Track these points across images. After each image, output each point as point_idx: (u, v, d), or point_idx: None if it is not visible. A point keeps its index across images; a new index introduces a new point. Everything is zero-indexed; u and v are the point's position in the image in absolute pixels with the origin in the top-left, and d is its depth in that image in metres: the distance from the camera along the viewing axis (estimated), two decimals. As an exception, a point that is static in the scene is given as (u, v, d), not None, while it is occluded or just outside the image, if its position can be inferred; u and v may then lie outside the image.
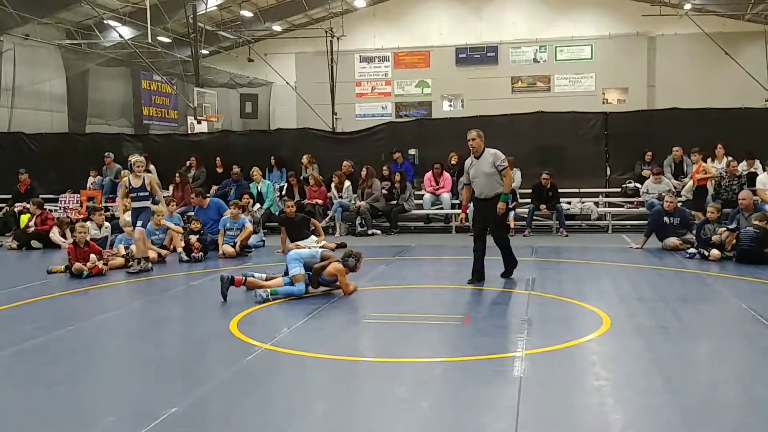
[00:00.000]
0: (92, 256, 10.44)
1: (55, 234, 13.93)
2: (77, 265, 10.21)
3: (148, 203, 10.99)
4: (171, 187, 16.26)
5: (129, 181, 10.86)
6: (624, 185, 15.99)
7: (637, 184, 15.41)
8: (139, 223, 10.80)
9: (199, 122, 24.30)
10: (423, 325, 7.06)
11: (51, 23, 25.23)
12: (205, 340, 6.76)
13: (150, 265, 10.84)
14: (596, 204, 15.58)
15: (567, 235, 14.26)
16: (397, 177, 15.73)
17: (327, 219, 15.36)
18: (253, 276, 8.68)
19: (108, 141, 19.88)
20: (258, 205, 15.26)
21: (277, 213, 15.15)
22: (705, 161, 14.89)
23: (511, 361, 5.60)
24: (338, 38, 31.43)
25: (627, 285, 9.01)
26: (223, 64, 32.68)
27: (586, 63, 31.73)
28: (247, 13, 30.82)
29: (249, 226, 12.63)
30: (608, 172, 16.66)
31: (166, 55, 28.21)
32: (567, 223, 14.70)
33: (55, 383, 5.38)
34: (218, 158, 17.52)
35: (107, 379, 5.58)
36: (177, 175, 16.09)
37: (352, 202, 15.52)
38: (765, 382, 5.14)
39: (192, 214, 13.59)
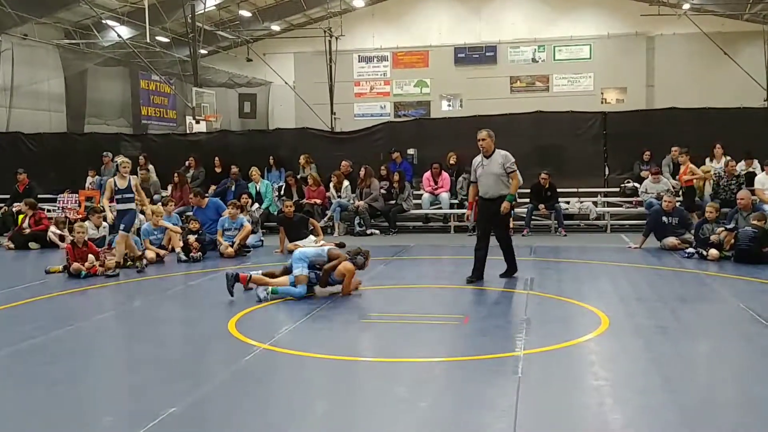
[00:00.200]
0: (90, 256, 10.43)
1: (53, 233, 13.93)
2: (75, 265, 10.21)
3: (132, 205, 10.86)
4: (169, 187, 16.25)
5: (115, 182, 10.73)
6: (622, 185, 16.00)
7: (636, 184, 15.42)
8: (122, 226, 10.64)
9: (197, 122, 24.27)
10: (422, 325, 7.06)
11: (49, 23, 25.19)
12: (204, 340, 6.76)
13: (118, 272, 10.40)
14: (595, 204, 15.59)
15: (566, 235, 14.27)
16: (396, 177, 15.72)
17: (326, 219, 15.36)
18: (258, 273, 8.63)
19: (106, 141, 19.86)
20: (257, 205, 15.26)
21: (275, 213, 15.14)
22: (704, 161, 14.94)
23: (510, 361, 5.61)
24: (337, 38, 31.42)
25: (626, 285, 9.02)
26: (222, 63, 32.65)
27: (584, 63, 31.74)
28: (245, 13, 30.80)
29: (247, 226, 12.63)
30: (607, 172, 16.66)
31: (165, 55, 28.17)
32: (566, 222, 14.70)
33: (54, 383, 5.37)
34: (217, 158, 17.50)
35: (106, 379, 5.58)
36: (175, 175, 16.08)
37: (351, 201, 15.51)
38: (764, 382, 5.14)
39: (190, 214, 13.58)
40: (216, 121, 26.10)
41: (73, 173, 18.20)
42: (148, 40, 23.65)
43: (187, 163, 17.47)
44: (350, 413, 4.75)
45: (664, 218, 12.02)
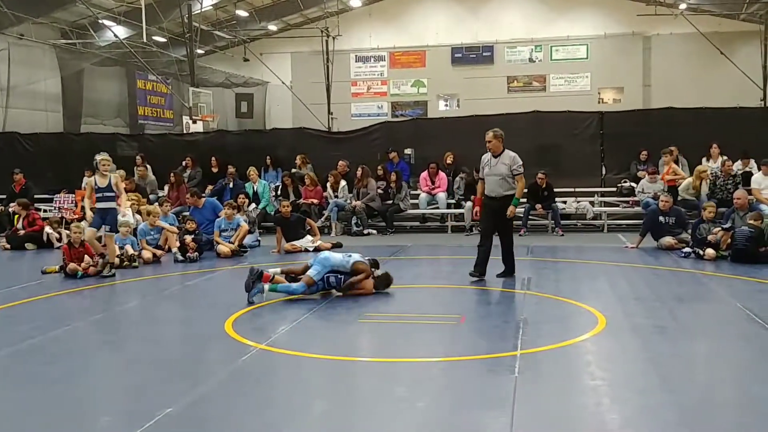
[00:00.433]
0: (86, 256, 10.41)
1: (49, 232, 13.93)
2: (72, 265, 10.20)
3: (114, 204, 10.46)
4: (166, 187, 16.23)
5: (95, 180, 10.37)
6: (619, 185, 16.01)
7: (633, 184, 15.43)
8: (106, 228, 10.38)
9: (194, 122, 24.25)
10: (419, 324, 7.06)
11: (46, 23, 25.16)
12: (201, 340, 6.74)
13: (113, 272, 10.29)
14: (592, 203, 15.59)
15: (563, 235, 14.27)
16: (393, 177, 15.71)
17: (323, 219, 15.34)
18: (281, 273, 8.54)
19: (103, 141, 19.78)
20: (253, 205, 15.24)
21: (272, 213, 15.12)
22: (700, 161, 14.96)
23: (507, 361, 5.60)
24: (334, 38, 31.43)
25: (623, 284, 9.02)
26: (219, 63, 32.63)
27: (581, 63, 31.79)
28: (242, 13, 30.78)
29: (244, 225, 12.62)
30: (604, 172, 16.67)
31: (162, 55, 28.16)
32: (563, 222, 14.71)
33: (51, 383, 5.36)
34: (214, 158, 17.48)
35: (103, 379, 5.56)
36: (172, 175, 16.05)
37: (348, 201, 15.50)
38: (762, 382, 5.14)
39: (187, 214, 13.56)
40: (213, 121, 26.09)
41: (69, 173, 18.15)
42: (144, 40, 23.63)
43: (183, 163, 17.44)
44: (348, 413, 4.73)
45: (661, 218, 12.03)
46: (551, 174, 14.85)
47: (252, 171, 15.89)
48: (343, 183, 15.78)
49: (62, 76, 25.99)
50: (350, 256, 8.62)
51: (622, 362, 5.77)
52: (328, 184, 15.84)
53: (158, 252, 11.98)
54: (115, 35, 24.84)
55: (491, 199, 9.31)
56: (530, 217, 14.67)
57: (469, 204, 14.90)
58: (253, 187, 15.72)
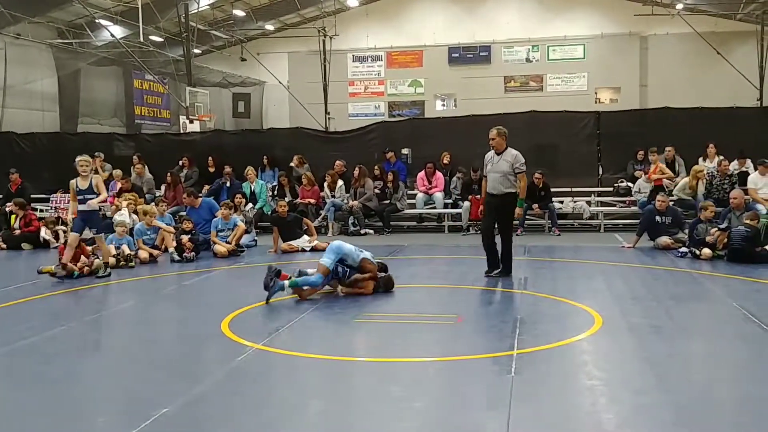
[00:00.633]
0: (82, 257, 10.40)
1: (45, 233, 13.91)
2: (69, 265, 10.15)
3: (96, 206, 10.18)
4: (163, 187, 16.21)
5: (76, 183, 10.03)
6: (616, 184, 16.02)
7: (629, 184, 15.44)
8: (93, 230, 10.14)
9: (191, 122, 24.19)
10: (416, 324, 7.06)
11: (42, 22, 25.09)
12: (197, 340, 6.73)
13: (109, 271, 10.21)
14: (588, 203, 15.61)
15: (559, 235, 14.29)
16: (390, 176, 15.71)
17: (320, 218, 15.34)
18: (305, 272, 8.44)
19: (100, 141, 19.79)
20: (250, 205, 15.22)
21: (269, 213, 15.11)
22: (697, 161, 14.97)
23: (504, 361, 5.60)
24: (331, 38, 31.38)
25: (619, 284, 9.03)
26: (216, 63, 32.58)
27: (578, 62, 31.78)
28: (239, 13, 30.74)
29: (241, 225, 12.63)
30: (600, 172, 16.69)
31: (158, 55, 28.09)
32: (559, 222, 14.73)
33: (48, 383, 5.35)
34: (210, 158, 17.46)
35: (98, 379, 5.55)
36: (169, 175, 16.03)
37: (345, 201, 15.50)
38: (758, 381, 5.14)
39: (184, 213, 13.55)
40: (210, 121, 26.05)
41: (66, 173, 17.88)
42: (141, 40, 23.55)
43: (180, 162, 17.42)
44: (345, 413, 4.73)
45: (658, 218, 12.04)
46: (548, 174, 14.87)
47: (250, 171, 15.87)
48: (340, 183, 15.78)
49: (59, 75, 25.91)
50: (361, 251, 8.62)
51: (619, 362, 5.78)
52: (325, 184, 15.83)
53: (155, 252, 11.98)
54: (112, 35, 24.79)
55: (492, 196, 9.44)
56: (527, 216, 14.67)
57: (466, 204, 14.92)
58: (251, 187, 15.70)
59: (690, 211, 13.50)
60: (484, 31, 32.17)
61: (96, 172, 17.43)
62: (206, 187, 16.43)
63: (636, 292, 8.48)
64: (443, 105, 33.15)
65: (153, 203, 14.09)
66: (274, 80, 31.89)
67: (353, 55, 33.78)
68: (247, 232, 13.15)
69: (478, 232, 14.69)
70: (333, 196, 15.58)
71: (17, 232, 14.12)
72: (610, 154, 16.61)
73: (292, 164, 16.87)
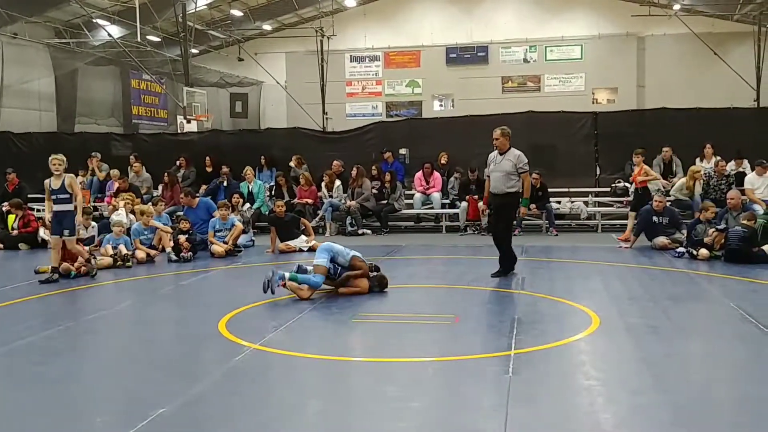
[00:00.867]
0: (79, 257, 10.38)
1: (44, 233, 13.87)
2: (65, 265, 10.15)
3: (70, 206, 9.84)
4: (160, 187, 16.20)
5: (49, 182, 9.86)
6: (613, 185, 16.03)
7: (627, 184, 15.45)
8: (66, 232, 9.74)
9: (188, 122, 24.18)
10: (413, 324, 7.06)
11: (39, 22, 25.04)
12: (194, 340, 6.73)
13: (56, 276, 9.80)
14: (586, 203, 15.62)
15: (557, 235, 14.30)
16: (388, 176, 15.71)
17: (317, 218, 15.33)
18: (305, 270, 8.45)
19: (97, 140, 19.78)
20: (248, 205, 15.21)
21: (266, 213, 15.10)
22: (694, 161, 14.99)
23: (501, 361, 5.60)
24: (328, 38, 31.37)
25: (617, 284, 9.04)
26: (213, 63, 32.54)
27: (576, 63, 31.78)
28: (237, 12, 30.70)
29: (239, 225, 12.62)
30: (598, 172, 16.71)
31: (156, 54, 28.05)
32: (557, 222, 14.74)
33: (45, 383, 5.34)
34: (208, 158, 17.45)
35: (96, 379, 5.54)
36: (166, 174, 16.01)
37: (343, 201, 15.49)
38: (756, 381, 5.15)
39: (181, 213, 13.54)
40: (207, 121, 26.03)
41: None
42: (138, 40, 23.53)
43: (177, 162, 17.40)
44: (342, 413, 4.73)
45: (655, 218, 12.05)
46: (545, 174, 14.87)
47: (249, 171, 15.85)
48: (337, 183, 15.77)
49: (56, 75, 25.87)
50: (351, 250, 8.70)
51: (616, 362, 5.78)
52: (323, 184, 15.82)
53: (152, 252, 11.96)
54: (109, 34, 24.76)
55: (494, 196, 9.59)
56: (524, 217, 14.66)
57: (464, 204, 14.92)
58: (248, 187, 15.69)
59: (687, 211, 13.52)
60: (482, 31, 32.17)
61: (93, 173, 17.52)
62: (203, 187, 16.42)
63: (633, 292, 8.49)
64: (441, 105, 33.14)
65: (150, 203, 14.07)
66: (272, 80, 31.88)
67: (351, 55, 33.75)
68: (244, 232, 13.13)
69: (476, 232, 14.78)
70: (330, 196, 15.58)
71: (15, 232, 14.10)
72: (608, 154, 16.63)
73: (291, 164, 16.86)
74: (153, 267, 11.35)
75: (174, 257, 11.68)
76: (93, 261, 10.64)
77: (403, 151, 17.50)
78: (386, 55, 33.60)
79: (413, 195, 16.13)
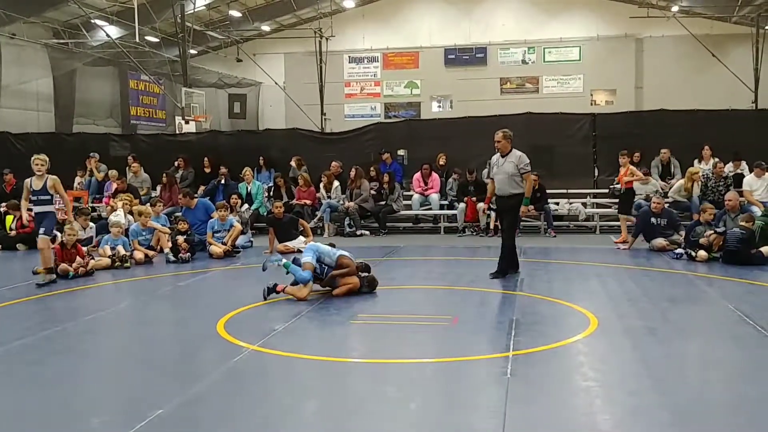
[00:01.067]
0: (78, 257, 10.38)
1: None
2: (63, 266, 10.14)
3: (50, 207, 9.70)
4: (158, 188, 16.18)
5: (30, 182, 9.66)
6: (612, 186, 16.00)
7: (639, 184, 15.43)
8: (41, 230, 9.54)
9: (187, 122, 24.19)
10: (411, 325, 7.05)
11: (38, 22, 25.05)
12: (193, 341, 6.73)
13: (54, 276, 9.69)
14: (584, 205, 15.62)
15: (555, 236, 14.31)
16: (386, 178, 15.71)
17: (315, 219, 15.33)
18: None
19: (95, 141, 19.75)
20: (246, 206, 15.21)
21: (265, 214, 15.09)
22: (692, 162, 15.01)
23: (499, 362, 5.60)
24: (327, 39, 31.43)
25: (615, 286, 9.04)
26: (212, 64, 32.57)
27: (574, 64, 31.85)
28: (235, 13, 30.73)
29: (237, 225, 12.61)
30: (596, 173, 16.71)
31: (154, 55, 28.08)
32: (555, 223, 14.74)
33: (43, 384, 5.33)
34: (206, 158, 17.42)
35: (94, 380, 5.54)
36: (164, 175, 15.99)
37: (341, 202, 15.49)
38: (753, 383, 5.15)
39: (179, 214, 13.53)
40: (205, 122, 26.03)
41: (61, 173, 17.82)
42: (137, 40, 23.56)
43: (176, 163, 17.38)
44: (340, 414, 4.73)
45: (653, 219, 12.06)
46: (544, 175, 14.87)
47: (247, 171, 15.85)
48: (336, 184, 15.76)
49: (54, 75, 25.88)
50: (338, 250, 8.77)
51: (614, 363, 5.78)
52: (321, 185, 15.82)
53: (150, 253, 11.94)
54: (108, 35, 24.77)
55: (500, 198, 9.70)
56: (523, 218, 14.68)
57: (462, 205, 14.93)
58: (247, 188, 15.68)
59: (685, 213, 13.53)
60: (480, 32, 32.22)
61: (91, 173, 17.51)
62: (202, 187, 16.41)
63: (631, 293, 8.49)
64: (439, 106, 33.19)
65: (148, 203, 14.05)
66: (270, 81, 31.92)
67: (349, 56, 33.80)
68: (243, 232, 13.12)
69: (474, 233, 14.78)
70: (329, 197, 15.57)
71: (12, 232, 14.08)
72: (606, 155, 16.61)
73: (292, 163, 16.85)
74: (151, 268, 11.34)
75: (172, 258, 11.67)
76: (93, 260, 10.62)
77: (401, 152, 17.50)
78: (385, 56, 33.65)
79: (411, 196, 16.12)
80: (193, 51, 29.43)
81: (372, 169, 16.04)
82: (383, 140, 17.75)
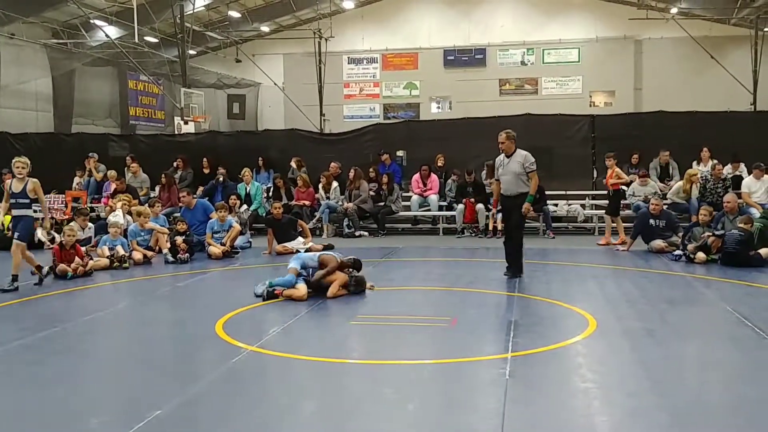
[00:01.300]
0: (76, 258, 10.38)
1: (41, 234, 13.85)
2: (62, 266, 10.15)
3: (29, 211, 9.45)
4: (157, 188, 16.18)
5: (10, 184, 9.49)
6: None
7: (623, 187, 15.44)
8: (16, 235, 9.37)
9: (186, 123, 24.18)
10: (410, 326, 7.05)
11: (37, 22, 25.05)
12: (191, 341, 6.73)
13: (44, 271, 9.63)
14: (583, 206, 15.63)
15: (554, 237, 14.31)
16: (385, 179, 15.71)
17: (314, 220, 15.33)
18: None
19: (94, 141, 19.73)
20: (245, 207, 15.21)
21: (264, 215, 15.09)
22: (691, 164, 15.01)
23: (498, 363, 5.60)
24: (326, 39, 31.43)
25: (613, 287, 9.04)
26: (211, 64, 32.58)
27: (573, 66, 31.89)
28: (234, 14, 30.74)
29: (236, 226, 12.61)
30: (595, 175, 16.70)
31: (153, 55, 28.08)
32: (554, 225, 14.75)
33: (41, 384, 5.33)
34: (205, 159, 17.43)
35: (93, 380, 5.53)
36: (163, 176, 15.99)
37: (340, 203, 15.49)
38: (752, 384, 5.16)
39: (178, 215, 13.53)
40: (204, 122, 26.03)
41: (60, 174, 18.03)
42: (136, 40, 23.56)
43: (175, 164, 17.38)
44: (338, 415, 4.72)
45: (652, 221, 12.07)
46: (542, 177, 14.75)
47: (246, 172, 15.85)
48: (335, 185, 15.77)
49: (53, 75, 25.87)
50: (315, 254, 8.99)
51: (613, 365, 5.78)
52: (320, 186, 15.82)
53: (149, 253, 11.94)
54: (107, 35, 24.75)
55: (507, 198, 9.69)
56: (527, 213, 14.68)
57: (461, 206, 14.94)
58: (246, 188, 15.69)
59: (684, 214, 13.55)
60: (479, 33, 32.26)
61: (90, 173, 17.50)
62: (200, 188, 16.41)
63: (630, 295, 8.49)
64: (438, 107, 33.22)
65: (147, 204, 14.05)
66: (269, 82, 31.93)
67: (348, 57, 33.83)
68: (241, 233, 13.12)
69: (473, 234, 14.78)
70: (328, 198, 15.58)
71: (10, 233, 14.04)
72: (605, 157, 16.61)
73: (292, 164, 16.84)
74: (150, 268, 11.33)
75: (171, 259, 11.67)
76: (92, 261, 10.62)
77: (400, 153, 17.50)
78: (384, 57, 33.68)
79: (410, 197, 16.13)
80: (192, 51, 29.44)
81: (371, 170, 16.05)
82: (382, 141, 17.74)
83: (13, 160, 9.52)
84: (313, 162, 16.98)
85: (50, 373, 5.63)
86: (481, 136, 15.77)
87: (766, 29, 27.78)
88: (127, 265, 11.15)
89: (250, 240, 13.86)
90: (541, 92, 32.11)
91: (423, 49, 32.98)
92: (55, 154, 19.03)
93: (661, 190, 14.42)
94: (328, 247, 12.01)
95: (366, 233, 15.29)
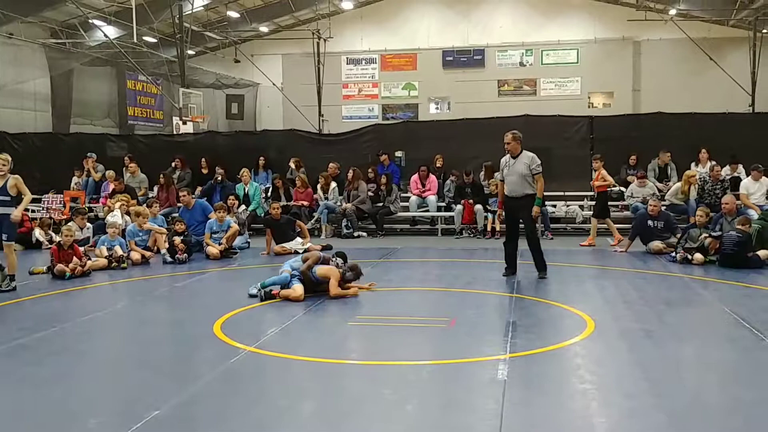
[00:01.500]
0: (75, 258, 10.37)
1: (39, 234, 13.84)
2: (60, 266, 10.14)
3: (10, 210, 9.14)
4: (156, 188, 16.18)
5: None
6: (609, 189, 16.02)
7: (622, 188, 15.47)
8: (4, 236, 9.12)
9: (184, 123, 24.14)
10: (408, 327, 7.06)
11: (35, 22, 25.03)
12: (189, 342, 6.72)
13: (14, 284, 9.17)
14: (581, 207, 15.63)
15: (552, 238, 14.31)
16: (384, 179, 15.71)
17: (313, 221, 15.32)
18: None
19: (92, 141, 19.71)
20: (243, 207, 15.20)
21: (262, 215, 15.09)
22: (689, 166, 15.03)
23: (496, 364, 5.60)
24: (325, 40, 31.42)
25: (611, 288, 9.04)
26: (209, 64, 32.54)
27: (572, 67, 31.91)
28: (233, 14, 30.73)
29: (234, 226, 12.60)
30: (593, 176, 16.69)
31: (152, 55, 28.06)
32: (552, 226, 14.76)
33: (39, 385, 5.32)
34: (204, 159, 17.43)
35: (90, 381, 5.53)
36: (161, 176, 15.98)
37: (338, 204, 15.49)
38: (749, 385, 5.16)
39: (176, 215, 13.52)
40: (203, 122, 25.99)
41: (58, 174, 18.05)
42: (135, 40, 23.53)
43: (173, 164, 17.37)
44: (337, 415, 4.72)
45: (650, 222, 12.08)
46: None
47: (245, 172, 15.85)
48: (333, 185, 15.77)
49: (51, 75, 25.84)
50: (299, 256, 9.16)
51: (611, 366, 5.78)
52: (319, 186, 15.82)
53: (147, 253, 11.94)
54: (105, 35, 24.71)
55: (511, 199, 9.66)
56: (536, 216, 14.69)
57: (459, 207, 14.94)
58: (244, 189, 15.69)
59: (682, 215, 13.56)
60: (478, 34, 32.27)
61: (89, 174, 17.49)
62: (199, 188, 16.41)
63: (628, 296, 8.50)
64: (437, 108, 33.23)
65: (145, 204, 14.05)
66: (268, 82, 31.90)
67: (347, 58, 33.83)
68: (240, 233, 13.12)
69: (471, 235, 14.79)
70: (326, 199, 15.58)
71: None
72: (603, 158, 16.61)
73: (291, 164, 16.84)
74: (148, 268, 11.33)
75: (169, 259, 11.67)
76: (90, 261, 10.63)
77: (399, 153, 17.50)
78: (383, 58, 33.68)
79: (409, 198, 16.13)
80: (190, 51, 29.42)
81: (369, 170, 16.06)
82: (381, 142, 17.74)
83: None
84: (311, 162, 16.97)
85: (48, 374, 5.63)
86: (480, 137, 15.78)
87: (764, 31, 27.82)
88: (125, 265, 11.15)
89: (249, 240, 13.86)
90: (539, 93, 32.12)
91: (422, 50, 32.99)
92: (53, 154, 19.04)
93: (659, 191, 14.44)
94: (327, 248, 12.03)
95: (364, 234, 15.29)
